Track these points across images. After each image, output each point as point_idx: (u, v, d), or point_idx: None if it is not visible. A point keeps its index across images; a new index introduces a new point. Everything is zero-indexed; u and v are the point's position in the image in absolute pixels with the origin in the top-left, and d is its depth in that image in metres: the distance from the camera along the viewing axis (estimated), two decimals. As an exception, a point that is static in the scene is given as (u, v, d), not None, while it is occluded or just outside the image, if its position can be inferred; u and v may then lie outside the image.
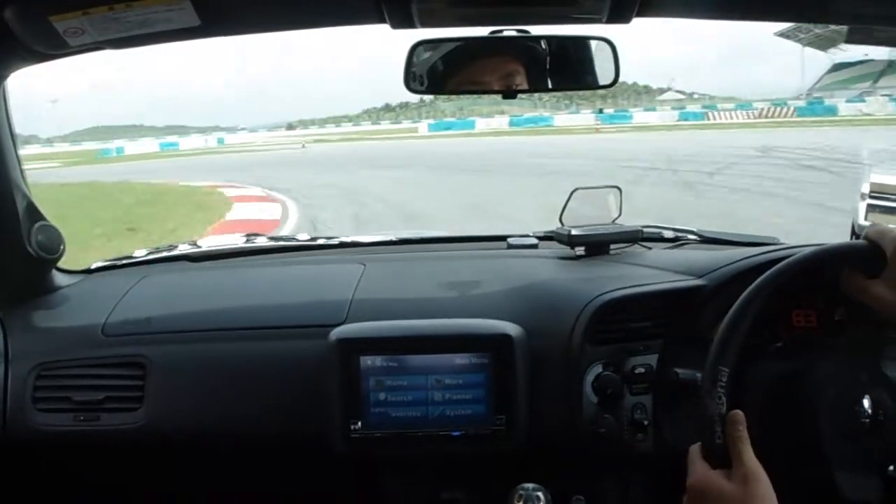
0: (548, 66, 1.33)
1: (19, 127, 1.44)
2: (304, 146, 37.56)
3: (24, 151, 1.49)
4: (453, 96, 1.43)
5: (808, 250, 1.05)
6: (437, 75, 1.32)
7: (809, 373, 1.11)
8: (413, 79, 1.30)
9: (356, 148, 33.36)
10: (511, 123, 55.15)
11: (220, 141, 56.86)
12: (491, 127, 52.98)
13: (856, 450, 1.03)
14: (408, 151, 27.58)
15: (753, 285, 1.03)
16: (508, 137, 35.90)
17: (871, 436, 1.03)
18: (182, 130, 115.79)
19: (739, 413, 0.96)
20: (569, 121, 53.47)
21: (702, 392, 0.98)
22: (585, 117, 55.85)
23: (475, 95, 1.39)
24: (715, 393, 0.96)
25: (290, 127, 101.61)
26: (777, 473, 1.00)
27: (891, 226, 1.07)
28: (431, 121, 67.84)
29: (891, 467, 1.03)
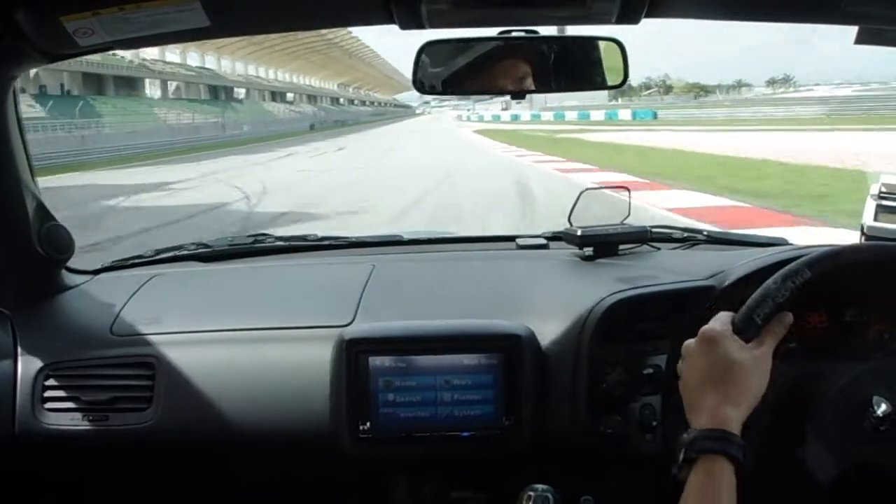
0: (562, 67, 1.33)
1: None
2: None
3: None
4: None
5: None
6: (450, 75, 1.32)
7: (820, 374, 1.10)
8: (425, 78, 1.30)
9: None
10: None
11: None
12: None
13: (860, 450, 1.02)
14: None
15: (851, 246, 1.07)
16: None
17: (878, 438, 1.02)
18: None
19: (791, 316, 1.00)
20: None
21: (777, 274, 1.00)
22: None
23: (488, 96, 1.39)
24: (788, 285, 0.99)
25: None
26: (784, 472, 1.00)
27: None
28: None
29: None
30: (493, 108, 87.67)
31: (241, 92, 72.65)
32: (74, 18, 1.18)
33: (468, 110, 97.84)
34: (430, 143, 34.68)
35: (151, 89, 56.31)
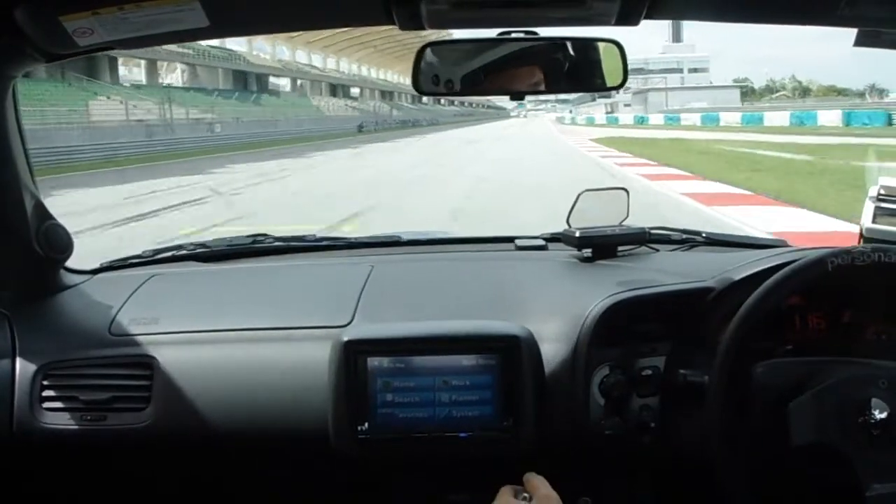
0: (563, 69, 1.33)
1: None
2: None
3: None
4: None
5: None
6: (450, 76, 1.32)
7: (819, 376, 1.10)
8: (425, 80, 1.30)
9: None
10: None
11: None
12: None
13: (867, 453, 1.02)
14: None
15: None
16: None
17: (881, 439, 1.03)
18: None
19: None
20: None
21: None
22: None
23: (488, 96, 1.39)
24: None
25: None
26: (783, 474, 0.99)
27: None
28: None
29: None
30: (594, 109, 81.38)
31: (282, 82, 60.08)
32: (74, 18, 1.18)
33: (570, 112, 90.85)
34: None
35: (139, 74, 43.61)
